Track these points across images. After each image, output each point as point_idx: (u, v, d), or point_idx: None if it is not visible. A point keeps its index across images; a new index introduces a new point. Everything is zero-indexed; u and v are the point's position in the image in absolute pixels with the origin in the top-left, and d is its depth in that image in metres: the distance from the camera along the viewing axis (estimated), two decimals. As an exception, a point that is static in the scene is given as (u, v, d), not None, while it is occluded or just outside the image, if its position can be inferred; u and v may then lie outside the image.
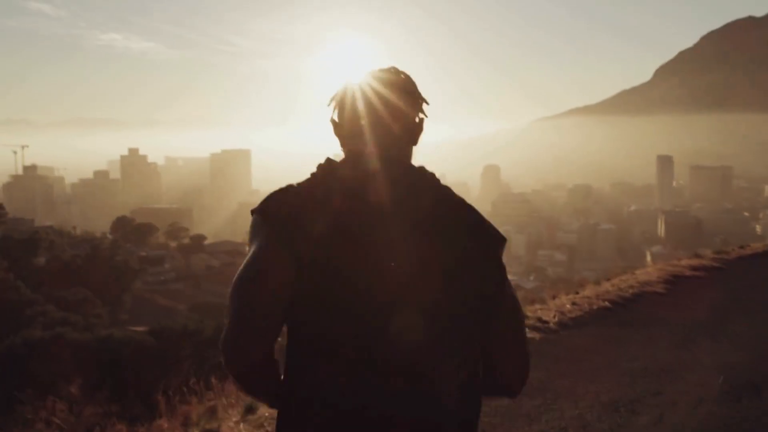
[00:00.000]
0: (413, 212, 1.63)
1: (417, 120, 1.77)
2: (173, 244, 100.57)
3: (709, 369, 6.68)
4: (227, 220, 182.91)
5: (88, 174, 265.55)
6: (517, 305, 1.81)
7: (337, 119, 1.76)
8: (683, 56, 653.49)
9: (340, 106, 1.75)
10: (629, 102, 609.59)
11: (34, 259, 60.02)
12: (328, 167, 1.70)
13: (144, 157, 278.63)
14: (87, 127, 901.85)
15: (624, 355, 7.14)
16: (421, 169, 1.73)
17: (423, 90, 1.78)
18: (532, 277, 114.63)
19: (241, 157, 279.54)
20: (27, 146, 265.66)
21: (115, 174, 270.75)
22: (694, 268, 12.40)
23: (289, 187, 1.71)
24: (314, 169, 1.72)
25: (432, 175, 1.73)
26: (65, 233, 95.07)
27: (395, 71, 1.76)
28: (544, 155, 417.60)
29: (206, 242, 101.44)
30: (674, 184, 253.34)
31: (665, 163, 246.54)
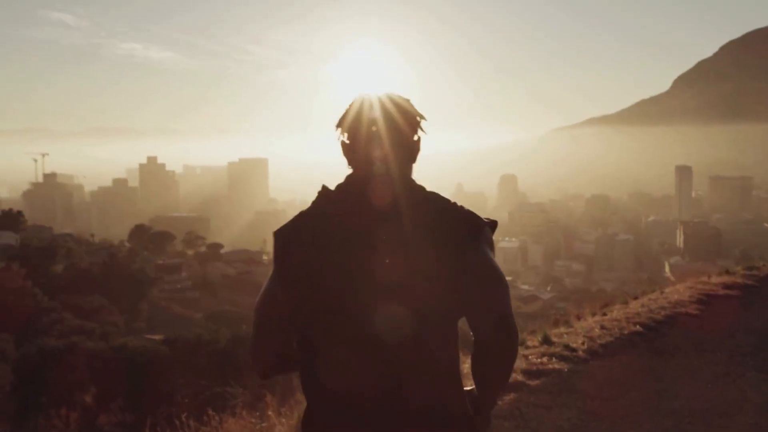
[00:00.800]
0: (398, 223, 1.88)
1: (415, 138, 1.98)
2: (190, 252, 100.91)
3: (761, 408, 6.10)
4: (244, 229, 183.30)
5: (107, 182, 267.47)
6: (493, 273, 1.93)
7: (344, 141, 1.99)
8: (702, 66, 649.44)
9: (345, 129, 1.98)
10: (648, 111, 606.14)
11: (52, 267, 60.40)
12: (323, 193, 2.00)
13: (162, 165, 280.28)
14: (106, 136, 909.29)
15: (664, 391, 6.51)
16: (412, 183, 1.96)
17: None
18: (549, 288, 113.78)
19: (259, 165, 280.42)
20: (47, 154, 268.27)
21: (134, 182, 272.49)
22: (727, 286, 11.67)
23: (297, 215, 2.02)
24: (326, 181, 2.02)
25: (421, 188, 1.96)
26: (83, 241, 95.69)
27: (393, 95, 1.96)
28: (562, 165, 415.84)
29: (223, 251, 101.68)
30: (693, 194, 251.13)
31: (684, 173, 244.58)
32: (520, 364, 6.65)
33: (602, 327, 8.31)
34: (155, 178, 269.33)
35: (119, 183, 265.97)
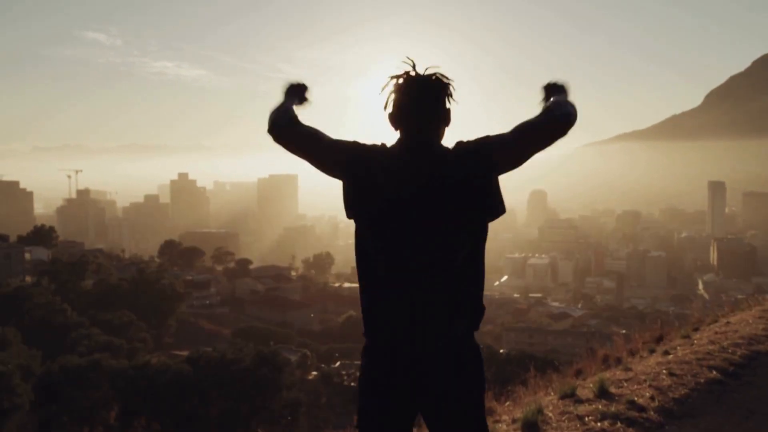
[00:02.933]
0: (427, 172, 2.43)
1: (447, 107, 2.52)
2: (219, 268, 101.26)
3: None
4: (273, 245, 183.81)
5: (139, 198, 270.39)
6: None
7: (389, 110, 2.53)
8: (735, 80, 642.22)
9: (390, 100, 2.52)
10: (679, 127, 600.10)
11: (82, 282, 60.72)
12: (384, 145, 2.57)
13: (193, 181, 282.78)
14: (139, 152, 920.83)
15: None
16: (439, 145, 2.51)
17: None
18: (579, 305, 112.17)
19: (288, 181, 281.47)
20: (81, 171, 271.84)
21: (165, 198, 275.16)
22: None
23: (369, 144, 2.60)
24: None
25: (446, 148, 2.50)
26: (114, 256, 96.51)
27: (427, 74, 2.49)
28: (592, 181, 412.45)
29: (252, 267, 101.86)
30: (726, 210, 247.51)
31: (717, 189, 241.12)
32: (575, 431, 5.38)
33: (670, 373, 6.80)
34: (186, 194, 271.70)
35: (151, 199, 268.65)
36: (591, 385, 6.17)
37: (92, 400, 18.88)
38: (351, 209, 2.53)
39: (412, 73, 2.50)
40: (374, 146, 2.55)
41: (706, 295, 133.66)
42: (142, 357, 24.80)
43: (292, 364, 37.08)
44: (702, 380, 6.63)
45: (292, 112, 2.75)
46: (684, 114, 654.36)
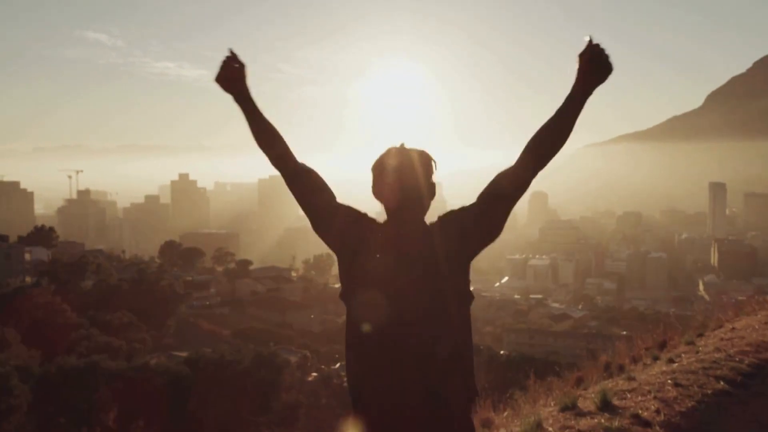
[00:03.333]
0: (414, 248, 2.52)
1: (431, 182, 2.59)
2: (219, 268, 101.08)
3: None
4: (274, 246, 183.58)
5: (140, 198, 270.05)
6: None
7: (376, 189, 2.60)
8: (735, 82, 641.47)
9: (376, 179, 2.59)
10: (680, 128, 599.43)
11: (82, 283, 60.63)
12: (377, 223, 2.64)
13: (194, 182, 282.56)
14: (140, 153, 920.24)
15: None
16: (422, 222, 2.59)
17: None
18: (580, 306, 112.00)
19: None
20: (81, 171, 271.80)
21: (166, 199, 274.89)
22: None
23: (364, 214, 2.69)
24: (356, 196, 2.74)
25: (425, 225, 2.59)
26: (114, 257, 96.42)
27: (410, 150, 2.58)
28: (593, 182, 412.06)
29: (252, 267, 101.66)
30: (727, 211, 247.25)
31: (718, 190, 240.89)
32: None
33: (676, 383, 6.42)
34: (186, 194, 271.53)
35: (151, 199, 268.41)
36: (593, 396, 5.90)
37: (90, 401, 18.79)
38: (344, 295, 2.59)
39: (396, 152, 2.56)
40: (366, 222, 2.63)
41: (706, 297, 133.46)
42: (141, 358, 24.72)
43: (292, 365, 36.99)
44: (709, 391, 6.26)
45: (279, 144, 2.82)
46: (685, 115, 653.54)
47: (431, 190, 2.59)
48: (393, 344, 2.42)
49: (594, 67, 2.57)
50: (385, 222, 2.59)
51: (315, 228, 2.69)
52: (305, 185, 2.74)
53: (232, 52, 2.65)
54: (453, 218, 2.58)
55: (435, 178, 2.61)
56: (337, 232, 2.61)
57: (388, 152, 2.56)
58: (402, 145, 2.58)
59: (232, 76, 2.66)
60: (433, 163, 2.58)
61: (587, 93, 2.62)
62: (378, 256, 2.50)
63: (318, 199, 2.70)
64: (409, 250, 2.49)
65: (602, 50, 2.57)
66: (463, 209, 2.60)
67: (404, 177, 2.51)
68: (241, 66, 2.65)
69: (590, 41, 2.57)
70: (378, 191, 2.58)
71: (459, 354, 2.47)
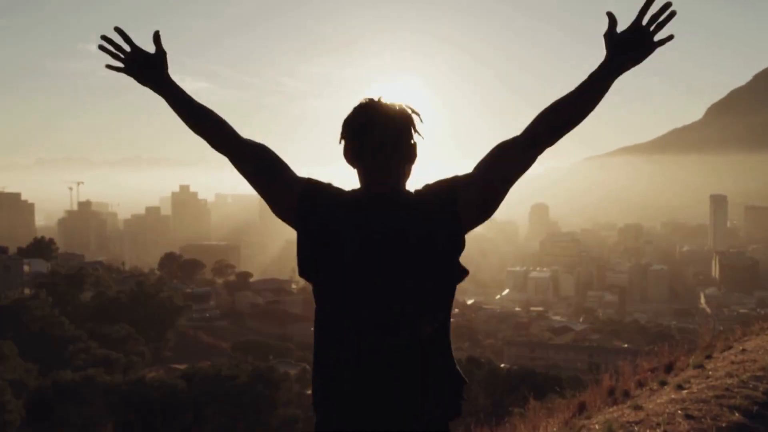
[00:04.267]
0: (388, 213, 2.14)
1: (411, 143, 2.20)
2: (219, 281, 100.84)
3: None
4: (274, 258, 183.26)
5: (141, 210, 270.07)
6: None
7: (348, 147, 2.22)
8: (736, 94, 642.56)
9: (347, 139, 2.21)
10: (680, 141, 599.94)
11: (80, 295, 60.34)
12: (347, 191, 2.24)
13: (194, 194, 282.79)
14: (141, 165, 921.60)
15: None
16: (399, 188, 2.19)
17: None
18: (581, 319, 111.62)
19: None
20: (82, 183, 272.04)
21: (167, 210, 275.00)
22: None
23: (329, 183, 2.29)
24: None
25: (406, 191, 2.19)
26: (113, 269, 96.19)
27: (391, 104, 2.18)
28: (594, 194, 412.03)
29: (252, 280, 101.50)
30: (728, 224, 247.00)
31: (719, 202, 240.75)
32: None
33: (687, 415, 5.97)
34: (187, 206, 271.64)
35: (152, 211, 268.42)
36: (597, 429, 5.50)
37: (85, 416, 18.56)
38: (303, 269, 2.20)
39: (371, 105, 2.17)
40: (331, 189, 2.24)
41: (708, 309, 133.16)
42: (138, 372, 24.45)
43: (291, 378, 36.74)
44: (723, 424, 5.70)
45: (205, 112, 2.38)
46: (685, 127, 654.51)
47: (412, 151, 2.20)
48: (365, 330, 2.06)
49: (623, 48, 2.23)
50: (357, 190, 2.20)
51: (276, 210, 2.27)
52: (262, 161, 2.26)
53: (156, 34, 2.46)
54: (442, 189, 2.17)
55: (417, 137, 2.21)
56: (298, 206, 2.20)
57: (362, 106, 2.17)
58: (380, 99, 2.17)
59: (153, 63, 2.42)
60: (415, 117, 2.19)
61: (617, 72, 2.27)
62: (348, 231, 2.11)
63: (278, 176, 2.27)
64: (384, 224, 2.11)
65: (639, 28, 2.23)
66: (455, 179, 2.19)
67: (380, 135, 2.12)
68: (160, 52, 2.46)
69: (612, 18, 2.23)
70: (349, 154, 2.20)
71: (438, 346, 2.13)
